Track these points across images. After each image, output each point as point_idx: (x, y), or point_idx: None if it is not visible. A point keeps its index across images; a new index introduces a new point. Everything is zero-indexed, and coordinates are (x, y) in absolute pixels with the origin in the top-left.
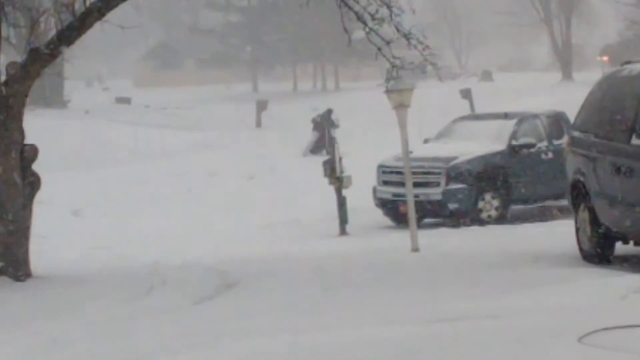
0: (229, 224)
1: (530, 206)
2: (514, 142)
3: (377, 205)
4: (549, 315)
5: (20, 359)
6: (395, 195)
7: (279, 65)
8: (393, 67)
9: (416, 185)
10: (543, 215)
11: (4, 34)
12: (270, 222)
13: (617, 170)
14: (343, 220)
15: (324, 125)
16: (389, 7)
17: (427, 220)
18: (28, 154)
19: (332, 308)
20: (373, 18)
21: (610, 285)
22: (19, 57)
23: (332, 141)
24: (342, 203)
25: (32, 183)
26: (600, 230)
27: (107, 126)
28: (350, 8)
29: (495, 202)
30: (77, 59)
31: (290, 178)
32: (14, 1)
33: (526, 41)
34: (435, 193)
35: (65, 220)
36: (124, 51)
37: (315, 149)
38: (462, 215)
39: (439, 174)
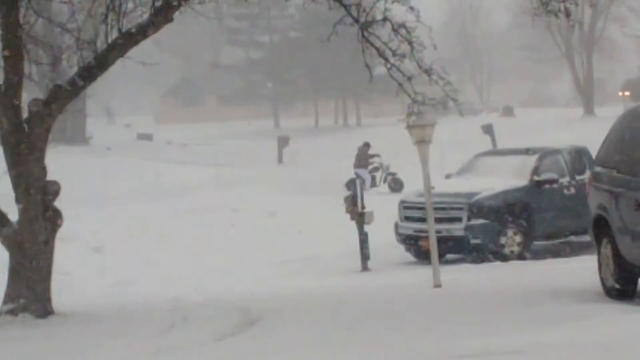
0: (251, 260)
1: (553, 242)
2: (536, 178)
3: (399, 241)
4: (572, 352)
5: None
6: (417, 230)
7: (301, 101)
8: (414, 102)
9: (438, 220)
10: (566, 251)
11: (26, 71)
12: (292, 258)
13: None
14: (365, 256)
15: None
16: (410, 43)
17: (449, 256)
18: (50, 191)
19: (354, 344)
20: (394, 54)
21: (634, 321)
22: (41, 94)
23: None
24: (364, 239)
25: (54, 219)
26: (623, 266)
27: (129, 163)
28: (371, 44)
29: (518, 238)
30: (99, 95)
31: (312, 214)
32: (36, 38)
33: (548, 77)
34: (457, 229)
35: (87, 256)
36: (145, 88)
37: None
38: (485, 250)
39: (461, 209)
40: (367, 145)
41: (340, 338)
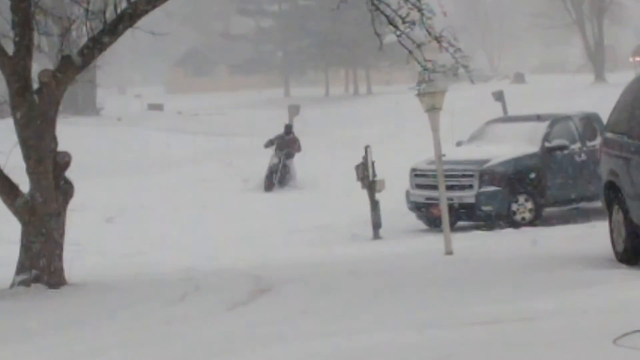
0: (262, 229)
1: (564, 208)
2: (547, 144)
3: (410, 208)
4: (584, 317)
5: None
6: (428, 198)
7: (311, 70)
8: (425, 70)
9: (449, 188)
10: (577, 217)
11: (35, 42)
12: (303, 227)
13: None
14: (376, 224)
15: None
16: (420, 10)
17: (460, 223)
18: (61, 162)
19: (366, 312)
20: (404, 21)
21: None
22: (51, 65)
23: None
24: (375, 207)
25: (66, 190)
26: (634, 232)
27: (140, 133)
28: (381, 12)
29: (529, 205)
30: (109, 66)
31: (324, 182)
32: (45, 9)
33: (558, 43)
34: (468, 196)
35: (99, 227)
36: (155, 58)
37: (282, 178)
38: (496, 217)
39: (472, 176)
40: (288, 127)
41: (351, 306)
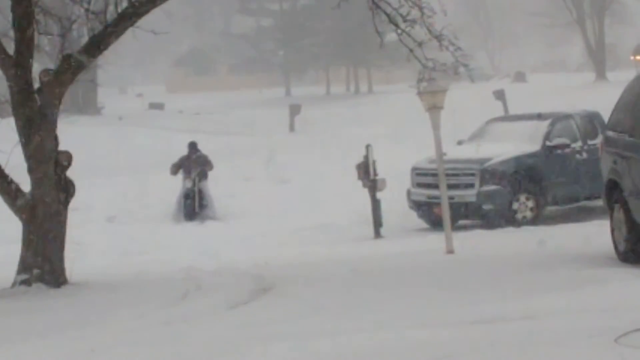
0: (263, 228)
1: (565, 207)
2: (548, 143)
3: (411, 207)
4: (585, 316)
5: None
6: (429, 197)
7: (312, 69)
8: (425, 68)
9: (450, 187)
10: (578, 216)
11: (36, 41)
12: (304, 226)
13: None
14: (377, 223)
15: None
16: (420, 8)
17: (461, 222)
18: (62, 161)
19: (367, 311)
20: (405, 20)
21: None
22: (52, 65)
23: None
24: (376, 206)
25: (67, 190)
26: (635, 230)
27: (141, 132)
28: (382, 10)
29: (530, 203)
30: (110, 65)
31: (325, 182)
32: (46, 9)
33: (559, 42)
34: (469, 195)
35: (100, 226)
36: (156, 57)
37: (190, 211)
38: (497, 216)
39: (473, 175)
40: (192, 145)
41: (353, 305)
